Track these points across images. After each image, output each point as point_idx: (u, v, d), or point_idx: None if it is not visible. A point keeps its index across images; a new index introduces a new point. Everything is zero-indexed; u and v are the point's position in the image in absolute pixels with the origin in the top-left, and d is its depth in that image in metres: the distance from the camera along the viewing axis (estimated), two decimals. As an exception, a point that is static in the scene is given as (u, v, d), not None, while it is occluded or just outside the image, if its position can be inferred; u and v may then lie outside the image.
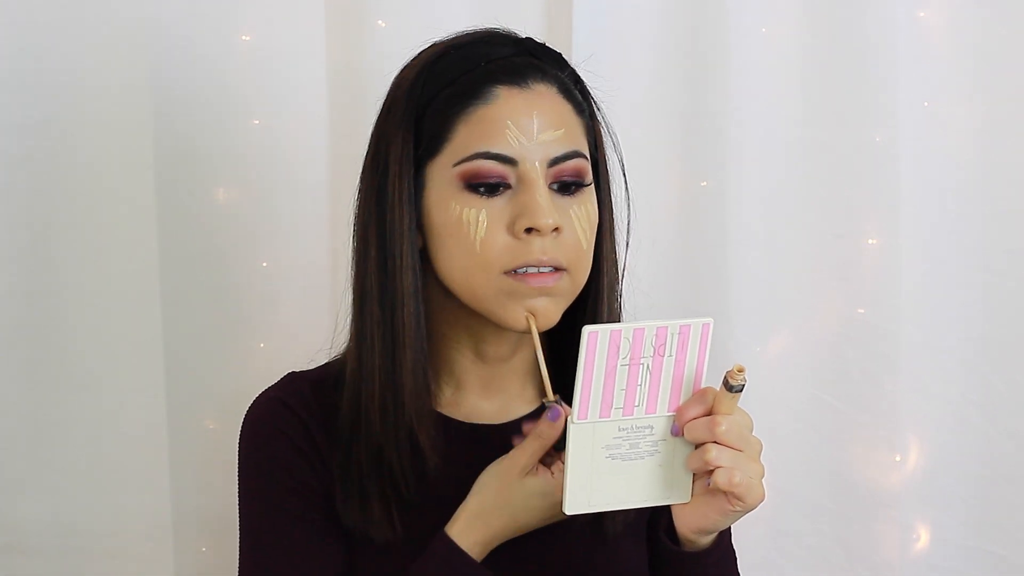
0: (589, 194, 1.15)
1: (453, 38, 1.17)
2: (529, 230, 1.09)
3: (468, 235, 1.10)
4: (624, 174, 1.24)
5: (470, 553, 1.11)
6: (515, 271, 1.10)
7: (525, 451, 1.11)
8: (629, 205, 1.24)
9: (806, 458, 1.91)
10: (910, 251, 1.88)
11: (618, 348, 1.00)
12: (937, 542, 1.95)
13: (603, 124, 1.20)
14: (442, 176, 1.11)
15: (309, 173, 1.72)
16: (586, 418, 1.02)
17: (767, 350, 1.88)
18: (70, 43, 1.65)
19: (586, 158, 1.14)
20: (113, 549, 1.73)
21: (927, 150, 1.88)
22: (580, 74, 1.20)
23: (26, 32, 1.64)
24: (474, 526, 1.12)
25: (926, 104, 1.88)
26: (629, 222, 1.25)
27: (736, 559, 1.22)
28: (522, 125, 1.09)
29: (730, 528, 1.18)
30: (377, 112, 1.18)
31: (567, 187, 1.12)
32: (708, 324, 1.02)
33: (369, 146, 1.17)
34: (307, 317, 1.68)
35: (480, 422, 1.21)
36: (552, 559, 1.19)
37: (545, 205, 1.09)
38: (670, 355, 1.02)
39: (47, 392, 1.70)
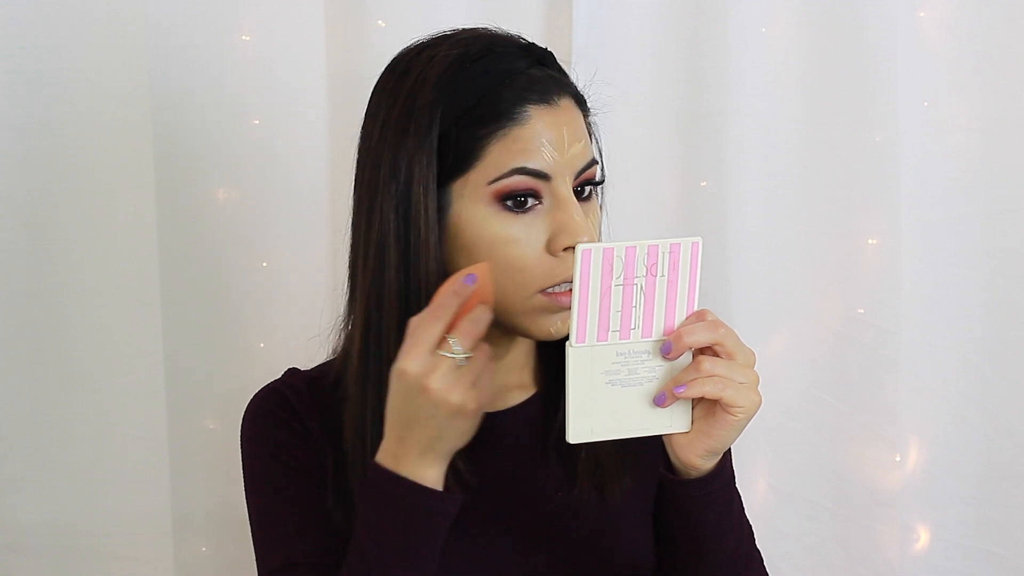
0: (597, 196, 1.17)
1: (453, 42, 1.15)
2: (566, 248, 1.10)
3: (506, 255, 1.10)
4: (601, 158, 1.23)
5: (392, 469, 1.05)
6: (548, 289, 1.11)
7: (422, 329, 1.02)
8: (602, 186, 1.24)
9: (806, 458, 1.91)
10: (910, 251, 1.88)
11: (611, 267, 1.01)
12: (937, 542, 1.95)
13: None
14: (473, 194, 1.11)
15: (309, 173, 1.72)
16: (584, 341, 1.03)
17: (767, 350, 1.88)
18: (70, 43, 1.65)
19: (597, 162, 1.16)
20: (113, 549, 1.73)
21: (927, 150, 1.88)
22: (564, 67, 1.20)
23: (26, 32, 1.64)
24: (389, 439, 1.06)
25: (926, 104, 1.88)
26: (600, 202, 1.25)
27: (742, 499, 1.22)
28: (554, 141, 1.10)
29: (732, 460, 1.19)
30: (366, 110, 1.17)
31: (581, 193, 1.14)
32: (697, 243, 1.04)
33: (377, 159, 1.14)
34: (307, 317, 1.68)
35: None
36: (554, 531, 1.20)
37: (582, 222, 1.10)
38: (662, 275, 1.03)
39: (47, 392, 1.70)
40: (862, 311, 1.88)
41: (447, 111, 1.11)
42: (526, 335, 1.14)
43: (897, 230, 1.86)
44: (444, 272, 1.10)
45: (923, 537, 1.95)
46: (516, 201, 1.10)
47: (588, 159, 1.13)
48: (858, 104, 1.84)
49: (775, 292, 1.88)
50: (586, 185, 1.14)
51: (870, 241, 1.87)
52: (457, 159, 1.11)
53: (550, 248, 1.10)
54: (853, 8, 1.83)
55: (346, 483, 1.15)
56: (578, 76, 1.21)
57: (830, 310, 1.89)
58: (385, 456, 1.07)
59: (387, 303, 1.13)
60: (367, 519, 1.07)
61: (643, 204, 1.81)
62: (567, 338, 1.04)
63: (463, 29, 1.18)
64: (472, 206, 1.11)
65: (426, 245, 1.11)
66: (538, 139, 1.10)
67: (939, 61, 1.88)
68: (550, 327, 1.12)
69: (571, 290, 1.08)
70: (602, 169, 1.20)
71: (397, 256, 1.12)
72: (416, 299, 1.11)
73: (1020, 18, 1.87)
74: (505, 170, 1.10)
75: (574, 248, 1.07)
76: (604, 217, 1.23)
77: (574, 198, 1.11)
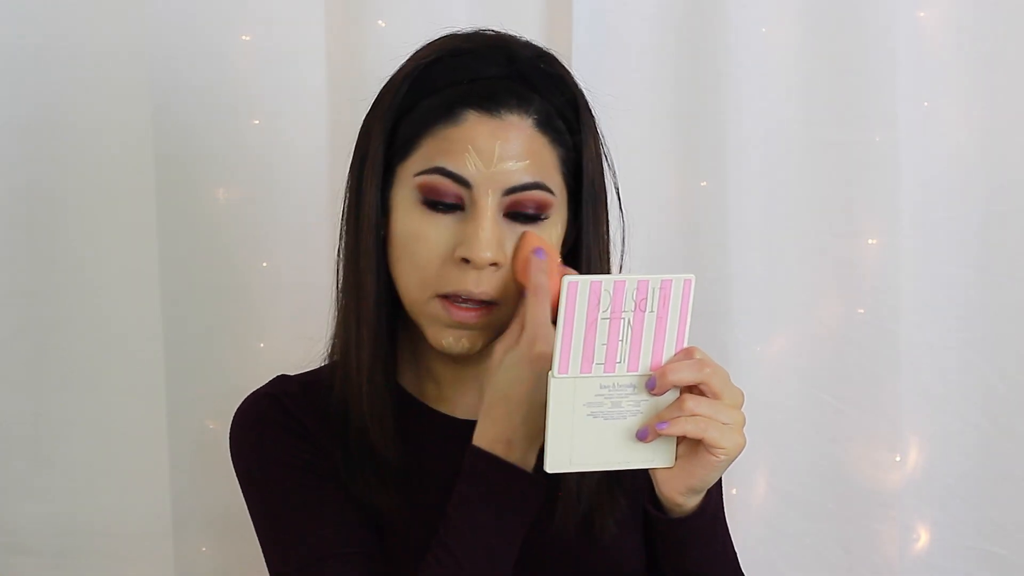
0: (546, 227, 1.14)
1: (450, 39, 1.17)
2: (464, 259, 1.10)
3: (413, 251, 1.11)
4: (618, 193, 1.23)
5: (503, 457, 1.07)
6: (446, 296, 1.11)
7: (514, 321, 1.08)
8: (624, 225, 1.24)
9: (806, 458, 1.91)
10: (910, 251, 1.88)
11: (598, 300, 1.01)
12: (937, 542, 1.95)
13: (602, 143, 1.19)
14: (405, 183, 1.13)
15: (309, 173, 1.72)
16: (567, 372, 1.02)
17: (767, 350, 1.88)
18: (70, 43, 1.65)
19: (551, 192, 1.13)
20: (113, 549, 1.73)
21: (927, 150, 1.88)
22: (582, 90, 1.18)
23: (26, 32, 1.64)
24: (506, 424, 1.08)
25: (926, 104, 1.88)
26: (624, 239, 1.24)
27: (727, 525, 1.22)
28: (482, 151, 1.10)
29: (721, 492, 1.18)
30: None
31: (520, 218, 1.12)
32: (690, 280, 1.02)
33: (357, 137, 1.19)
34: (307, 317, 1.68)
35: (464, 417, 1.21)
36: (544, 563, 1.19)
37: (486, 238, 1.09)
38: (651, 311, 1.02)
39: (47, 392, 1.70)
40: (862, 311, 1.88)
41: (407, 101, 1.14)
42: (425, 338, 1.15)
43: (897, 230, 1.86)
44: (382, 247, 1.14)
45: (923, 537, 1.95)
46: (443, 205, 1.11)
47: (527, 180, 1.11)
48: (858, 104, 1.84)
49: (775, 292, 1.88)
50: (526, 216, 1.12)
51: (870, 241, 1.87)
52: (401, 146, 1.14)
53: (453, 255, 1.10)
54: (853, 8, 1.83)
55: (354, 471, 1.15)
56: (578, 76, 1.20)
57: (830, 310, 1.89)
58: (496, 443, 1.07)
59: (346, 274, 1.18)
60: (465, 497, 1.07)
61: (643, 204, 1.80)
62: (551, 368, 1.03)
63: (476, 29, 1.19)
64: (401, 193, 1.13)
65: (369, 222, 1.14)
66: (465, 144, 1.10)
67: (939, 61, 1.88)
68: (442, 339, 1.13)
69: (469, 308, 1.11)
70: (620, 203, 1.21)
71: (352, 230, 1.16)
72: (360, 273, 1.15)
73: (1020, 18, 1.86)
74: (428, 166, 1.11)
75: (468, 260, 1.09)
76: (623, 228, 1.22)
77: (489, 212, 1.10)
